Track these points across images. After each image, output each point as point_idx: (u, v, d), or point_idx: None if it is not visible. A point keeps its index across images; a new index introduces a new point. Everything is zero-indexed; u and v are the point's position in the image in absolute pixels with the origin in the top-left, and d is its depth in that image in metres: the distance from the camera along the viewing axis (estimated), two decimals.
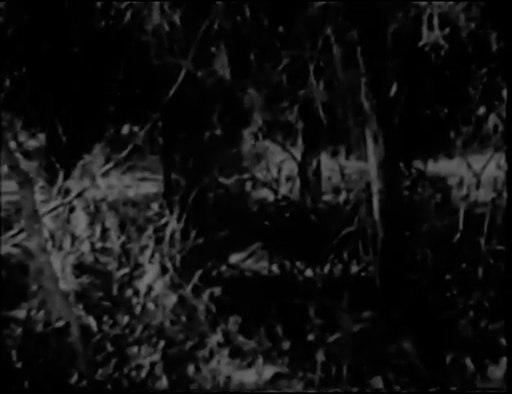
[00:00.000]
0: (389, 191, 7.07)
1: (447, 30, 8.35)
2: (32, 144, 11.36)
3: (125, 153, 7.92)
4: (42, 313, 6.28)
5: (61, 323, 6.06)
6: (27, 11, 9.64)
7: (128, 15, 8.66)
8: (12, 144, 9.67)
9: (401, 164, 8.92)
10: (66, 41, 9.71)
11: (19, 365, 5.84)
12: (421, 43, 8.48)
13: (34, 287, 6.42)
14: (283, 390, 6.15)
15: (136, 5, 8.60)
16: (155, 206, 8.59)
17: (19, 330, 6.20)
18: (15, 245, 7.62)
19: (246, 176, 10.87)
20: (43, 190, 8.30)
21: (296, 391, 6.11)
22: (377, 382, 6.03)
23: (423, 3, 8.10)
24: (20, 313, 6.52)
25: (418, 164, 9.91)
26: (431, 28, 8.31)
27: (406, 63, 9.16)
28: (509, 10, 7.36)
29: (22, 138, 11.02)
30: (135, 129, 11.11)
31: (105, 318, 6.49)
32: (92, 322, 6.37)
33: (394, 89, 8.34)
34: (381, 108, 7.06)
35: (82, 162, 8.57)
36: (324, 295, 6.96)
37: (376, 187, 7.09)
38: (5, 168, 5.79)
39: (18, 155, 7.22)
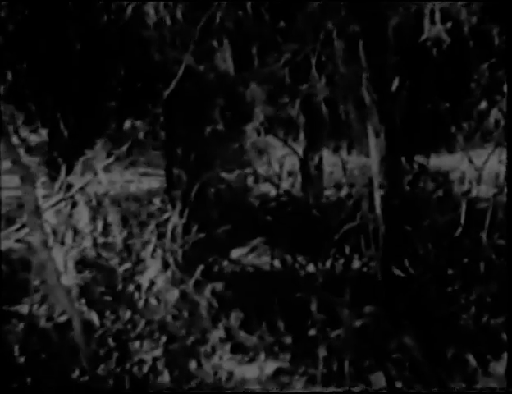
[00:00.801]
0: (391, 186, 7.07)
1: (449, 25, 8.34)
2: (34, 139, 11.37)
3: (125, 146, 7.92)
4: (44, 308, 6.29)
5: (63, 318, 6.07)
6: (28, 5, 9.64)
7: (129, 9, 8.65)
8: (14, 139, 9.69)
9: (403, 159, 8.91)
10: (68, 36, 9.70)
11: (21, 360, 5.85)
12: (422, 38, 8.47)
13: (37, 282, 6.43)
14: (285, 386, 6.16)
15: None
16: (157, 201, 8.56)
17: (21, 325, 6.21)
18: (17, 240, 7.63)
19: (248, 170, 10.87)
20: (45, 185, 8.29)
21: (296, 392, 6.12)
22: (379, 378, 6.04)
23: None
24: (23, 308, 6.53)
25: (419, 159, 9.90)
26: (432, 22, 8.31)
27: (408, 58, 9.15)
28: (511, 4, 7.34)
29: (24, 133, 11.02)
30: (137, 124, 11.10)
31: (107, 313, 6.49)
32: (94, 317, 6.37)
33: (395, 83, 8.32)
34: (383, 103, 7.06)
35: (84, 157, 8.56)
36: (326, 290, 6.96)
37: (378, 182, 7.09)
38: (7, 163, 5.80)
39: (20, 150, 7.22)
